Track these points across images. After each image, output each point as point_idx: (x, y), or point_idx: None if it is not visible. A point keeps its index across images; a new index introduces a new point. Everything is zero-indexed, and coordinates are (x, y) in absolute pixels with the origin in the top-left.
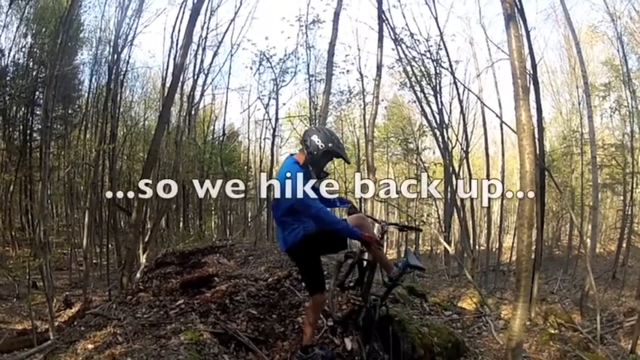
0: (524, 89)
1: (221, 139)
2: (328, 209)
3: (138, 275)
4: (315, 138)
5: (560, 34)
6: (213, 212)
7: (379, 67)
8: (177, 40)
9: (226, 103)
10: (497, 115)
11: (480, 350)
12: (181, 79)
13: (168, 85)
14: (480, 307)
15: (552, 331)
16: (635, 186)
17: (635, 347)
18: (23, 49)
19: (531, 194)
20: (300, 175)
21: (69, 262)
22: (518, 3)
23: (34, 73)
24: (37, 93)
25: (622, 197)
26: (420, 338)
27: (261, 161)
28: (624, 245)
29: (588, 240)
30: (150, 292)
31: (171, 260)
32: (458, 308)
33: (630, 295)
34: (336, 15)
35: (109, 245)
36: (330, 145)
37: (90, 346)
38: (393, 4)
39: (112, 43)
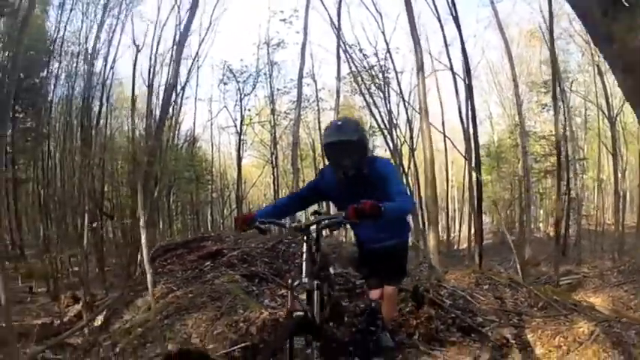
0: (425, 115)
1: (188, 145)
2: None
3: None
4: None
5: (499, 38)
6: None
7: (338, 92)
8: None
9: (195, 112)
10: (438, 130)
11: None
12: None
13: (139, 95)
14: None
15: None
16: (572, 174)
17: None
18: None
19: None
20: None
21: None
22: (453, 11)
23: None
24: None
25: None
26: None
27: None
28: (575, 226)
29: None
30: (175, 264)
31: (174, 247)
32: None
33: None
34: (304, 45)
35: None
36: (323, 141)
37: (149, 298)
38: (349, 44)
39: (83, 56)
